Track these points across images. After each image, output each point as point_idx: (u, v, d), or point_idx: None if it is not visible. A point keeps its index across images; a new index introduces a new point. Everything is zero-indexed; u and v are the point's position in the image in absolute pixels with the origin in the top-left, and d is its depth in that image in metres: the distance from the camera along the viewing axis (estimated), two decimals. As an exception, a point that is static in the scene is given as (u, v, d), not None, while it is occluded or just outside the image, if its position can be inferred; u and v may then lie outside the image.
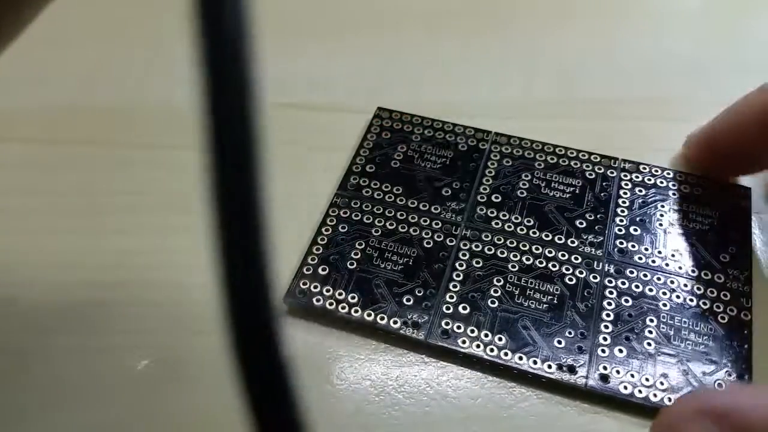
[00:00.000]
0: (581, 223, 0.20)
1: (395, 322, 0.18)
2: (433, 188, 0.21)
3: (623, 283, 0.19)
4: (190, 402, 0.18)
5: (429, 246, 0.20)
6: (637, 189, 0.21)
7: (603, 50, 0.26)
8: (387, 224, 0.20)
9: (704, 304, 0.18)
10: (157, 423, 0.17)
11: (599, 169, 0.21)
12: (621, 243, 0.20)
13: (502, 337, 0.18)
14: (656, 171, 0.21)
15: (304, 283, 0.19)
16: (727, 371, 0.17)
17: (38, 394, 0.18)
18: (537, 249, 0.19)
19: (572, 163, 0.21)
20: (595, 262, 0.19)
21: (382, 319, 0.18)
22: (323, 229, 0.20)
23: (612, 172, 0.21)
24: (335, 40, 0.26)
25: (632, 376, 0.17)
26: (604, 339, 0.18)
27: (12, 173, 0.23)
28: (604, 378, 0.17)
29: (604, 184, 0.21)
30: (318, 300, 0.18)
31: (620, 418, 0.17)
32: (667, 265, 0.19)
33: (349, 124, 0.23)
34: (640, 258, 0.19)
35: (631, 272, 0.19)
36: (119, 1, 0.28)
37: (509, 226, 0.20)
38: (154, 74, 0.26)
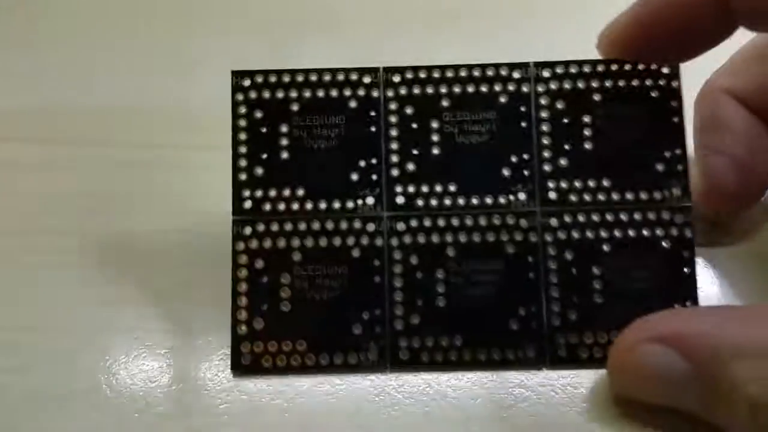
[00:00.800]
0: (507, 172, 0.18)
1: (353, 358, 0.18)
2: (338, 176, 0.18)
3: (562, 234, 0.18)
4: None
5: (358, 256, 0.18)
6: (557, 104, 0.18)
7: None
8: (305, 243, 0.18)
9: (647, 232, 0.18)
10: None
11: (512, 86, 0.18)
12: (551, 184, 0.18)
13: (459, 337, 0.18)
14: (573, 69, 0.18)
15: (245, 347, 0.17)
16: (683, 298, 0.18)
17: None
18: (469, 221, 0.18)
19: (481, 88, 0.18)
20: (530, 218, 0.18)
21: (338, 358, 0.18)
22: (239, 273, 0.18)
23: (526, 87, 0.18)
24: (334, 38, 0.26)
25: (592, 337, 0.18)
26: (556, 307, 0.18)
27: (10, 173, 0.23)
28: (566, 350, 0.18)
29: (520, 108, 0.18)
30: (267, 360, 0.17)
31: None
32: (602, 196, 0.18)
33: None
34: (575, 197, 0.18)
35: (568, 219, 0.18)
36: (118, 2, 0.28)
37: (434, 201, 0.18)
38: (155, 74, 0.25)
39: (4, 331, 0.19)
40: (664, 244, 0.18)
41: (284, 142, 0.18)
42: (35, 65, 0.26)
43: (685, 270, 0.18)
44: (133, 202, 0.21)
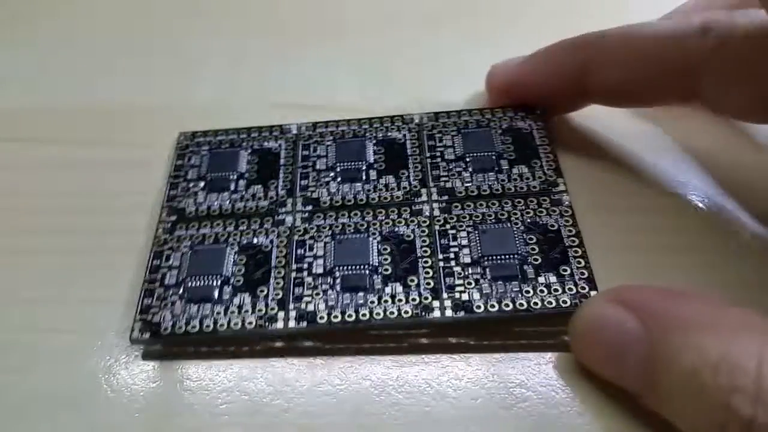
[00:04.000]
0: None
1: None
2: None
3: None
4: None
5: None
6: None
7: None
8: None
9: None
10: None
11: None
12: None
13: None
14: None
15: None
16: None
17: None
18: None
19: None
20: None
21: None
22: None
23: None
24: (334, 38, 0.27)
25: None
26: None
27: (10, 173, 0.23)
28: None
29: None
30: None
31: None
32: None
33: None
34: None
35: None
36: (119, 2, 0.29)
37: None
38: (155, 74, 0.26)
39: (4, 331, 0.19)
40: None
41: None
42: (35, 65, 0.26)
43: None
44: (133, 202, 0.22)
